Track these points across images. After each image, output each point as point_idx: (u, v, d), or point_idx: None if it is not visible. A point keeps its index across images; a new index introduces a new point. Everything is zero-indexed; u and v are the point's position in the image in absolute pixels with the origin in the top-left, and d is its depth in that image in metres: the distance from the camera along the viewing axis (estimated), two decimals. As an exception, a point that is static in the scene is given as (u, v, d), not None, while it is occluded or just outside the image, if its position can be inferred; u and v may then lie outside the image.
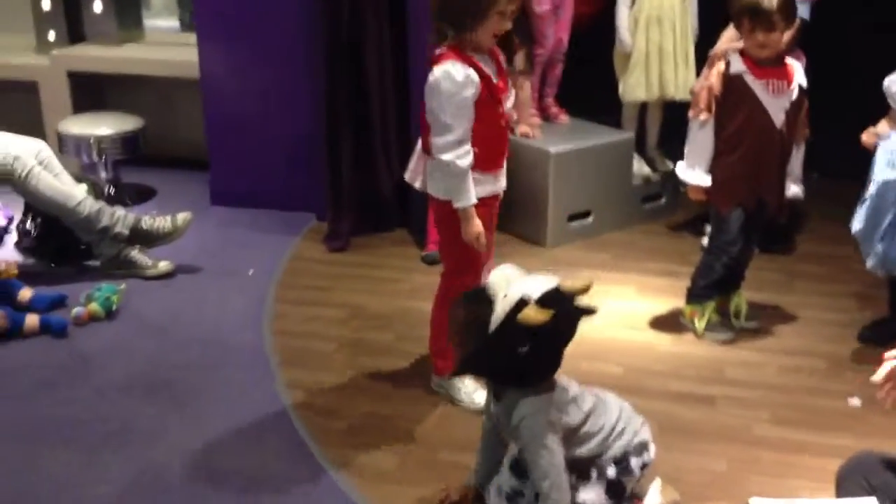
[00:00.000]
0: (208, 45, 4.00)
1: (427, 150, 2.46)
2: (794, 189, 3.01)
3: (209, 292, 3.39)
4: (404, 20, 3.74)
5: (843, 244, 3.70)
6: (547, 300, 1.90)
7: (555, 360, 1.99)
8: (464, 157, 2.35)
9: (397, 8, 3.72)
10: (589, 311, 1.98)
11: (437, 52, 2.37)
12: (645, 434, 2.09)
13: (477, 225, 2.42)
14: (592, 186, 3.86)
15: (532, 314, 1.86)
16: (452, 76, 2.30)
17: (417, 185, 3.35)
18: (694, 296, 3.07)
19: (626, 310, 3.25)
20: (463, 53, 2.34)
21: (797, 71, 2.85)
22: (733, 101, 2.81)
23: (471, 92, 2.32)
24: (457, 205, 2.41)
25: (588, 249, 3.79)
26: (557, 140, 3.82)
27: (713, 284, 3.03)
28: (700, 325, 3.04)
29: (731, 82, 2.80)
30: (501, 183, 2.56)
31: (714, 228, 3.02)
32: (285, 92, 3.94)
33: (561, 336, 1.97)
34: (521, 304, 1.89)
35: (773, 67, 2.81)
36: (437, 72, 2.32)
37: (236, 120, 4.05)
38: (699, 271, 3.06)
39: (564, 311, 1.92)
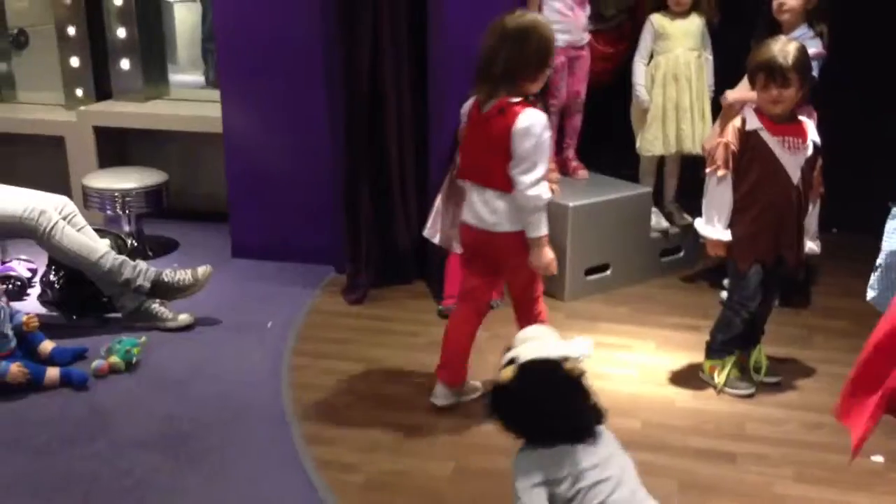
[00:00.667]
0: (231, 101, 4.09)
1: (500, 187, 2.69)
2: (810, 245, 3.01)
3: (228, 345, 3.41)
4: (424, 78, 3.82)
5: (862, 298, 3.69)
6: (531, 365, 1.93)
7: (549, 425, 1.96)
8: (546, 191, 2.68)
9: (417, 66, 3.80)
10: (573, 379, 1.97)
11: (510, 101, 2.64)
12: None
13: (550, 252, 2.74)
14: (611, 240, 3.87)
15: (503, 373, 1.95)
16: (541, 120, 2.63)
17: (437, 240, 3.39)
18: (714, 351, 3.06)
19: (646, 364, 3.24)
20: (530, 102, 2.65)
21: (811, 128, 2.88)
22: (750, 157, 2.83)
23: (548, 134, 2.68)
24: (537, 234, 2.70)
25: (606, 303, 3.79)
26: (576, 194, 3.85)
27: (733, 339, 3.02)
28: (720, 380, 3.02)
29: (748, 139, 2.83)
30: None
31: (733, 284, 3.02)
32: (305, 147, 4.01)
33: (544, 402, 1.95)
34: (510, 362, 1.95)
35: (788, 124, 2.84)
36: (526, 117, 2.61)
37: (257, 174, 4.12)
38: (718, 326, 3.05)
39: (542, 378, 1.94)
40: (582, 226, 3.78)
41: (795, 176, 2.83)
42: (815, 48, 3.29)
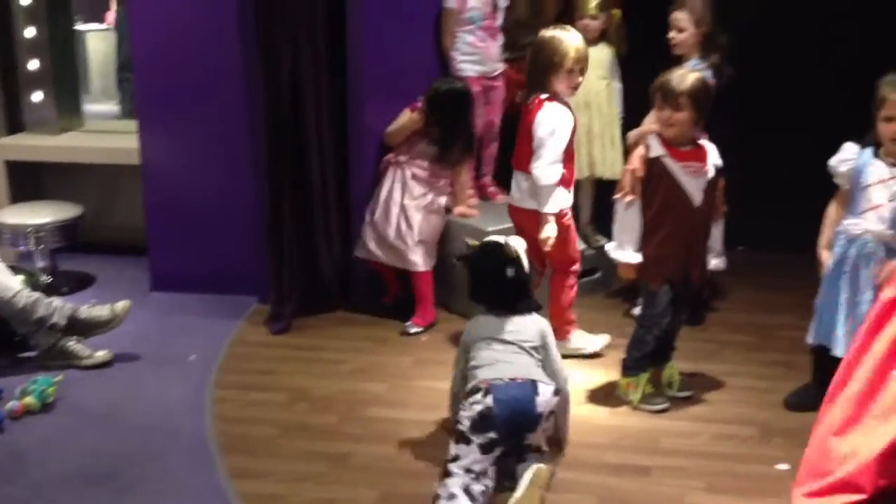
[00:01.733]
0: (149, 131, 4.05)
1: (524, 169, 3.33)
2: (715, 262, 3.15)
3: (149, 380, 3.37)
4: (345, 106, 3.87)
5: (768, 313, 3.91)
6: (484, 244, 2.92)
7: (487, 291, 2.86)
8: (552, 175, 3.25)
9: (338, 94, 3.85)
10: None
11: (540, 97, 3.29)
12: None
13: (552, 229, 3.28)
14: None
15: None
16: (558, 113, 3.26)
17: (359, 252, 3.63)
18: (628, 368, 3.17)
19: (565, 384, 3.33)
20: (557, 98, 3.27)
21: (711, 152, 3.03)
22: (655, 183, 2.97)
23: (565, 127, 3.27)
24: (542, 210, 3.26)
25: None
26: (494, 219, 3.94)
27: (646, 357, 3.14)
28: (635, 396, 3.14)
29: (652, 165, 2.97)
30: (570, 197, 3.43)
31: (645, 303, 3.15)
32: (226, 175, 4.00)
33: (484, 269, 2.87)
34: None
35: (689, 150, 2.99)
36: (544, 110, 3.25)
37: (176, 204, 4.09)
38: (632, 344, 3.17)
39: (487, 251, 2.89)
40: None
41: (698, 199, 2.98)
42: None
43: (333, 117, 3.86)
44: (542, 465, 2.54)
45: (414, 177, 3.86)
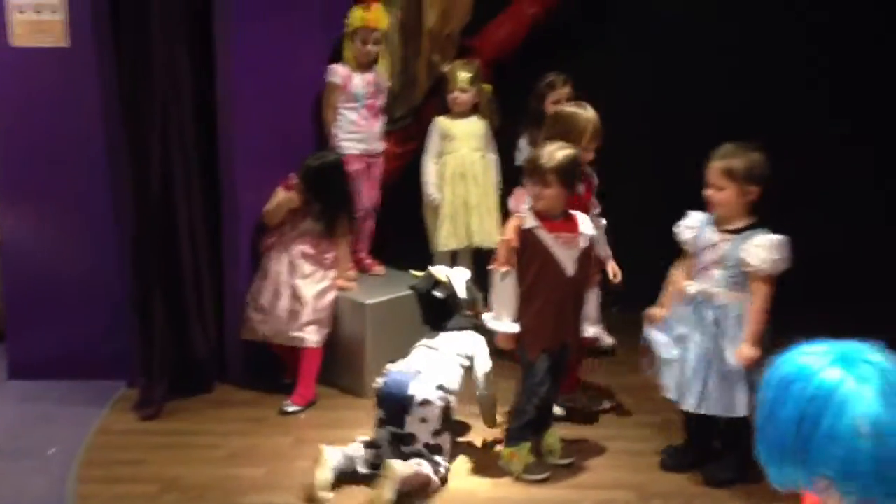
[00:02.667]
0: (9, 208, 3.85)
1: None
2: (592, 330, 3.22)
3: (5, 476, 3.13)
4: (216, 177, 3.79)
5: (642, 374, 3.96)
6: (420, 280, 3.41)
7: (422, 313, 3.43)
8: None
9: (208, 164, 3.77)
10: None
11: None
12: None
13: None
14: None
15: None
16: None
17: (271, 336, 3.88)
18: (510, 439, 3.17)
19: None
20: None
21: (583, 223, 3.12)
22: (529, 254, 3.03)
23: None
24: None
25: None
26: (372, 291, 3.92)
27: (527, 426, 3.15)
28: (517, 466, 3.13)
29: (526, 236, 3.03)
30: None
31: (524, 373, 3.16)
32: (91, 254, 3.83)
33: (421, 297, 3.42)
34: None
35: (561, 221, 3.07)
36: None
37: (38, 286, 3.87)
38: (513, 414, 3.17)
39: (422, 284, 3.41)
40: (380, 322, 3.83)
41: (571, 269, 3.05)
42: None
43: (205, 193, 3.76)
44: (397, 462, 2.91)
45: (302, 255, 3.80)
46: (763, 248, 2.89)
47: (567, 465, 3.20)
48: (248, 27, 3.71)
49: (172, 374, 3.73)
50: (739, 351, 2.90)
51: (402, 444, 3.05)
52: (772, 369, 1.31)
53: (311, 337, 3.72)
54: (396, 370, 3.16)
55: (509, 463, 3.15)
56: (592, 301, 3.22)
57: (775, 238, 2.91)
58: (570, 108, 3.42)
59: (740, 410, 2.93)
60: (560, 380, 3.22)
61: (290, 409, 3.65)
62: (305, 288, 3.75)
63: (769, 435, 1.28)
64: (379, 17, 3.94)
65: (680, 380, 3.02)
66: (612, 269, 3.52)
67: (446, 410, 3.10)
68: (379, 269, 4.19)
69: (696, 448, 3.15)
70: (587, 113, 3.34)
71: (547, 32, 4.45)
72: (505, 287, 3.06)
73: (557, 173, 2.98)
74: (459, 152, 4.12)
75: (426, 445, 3.04)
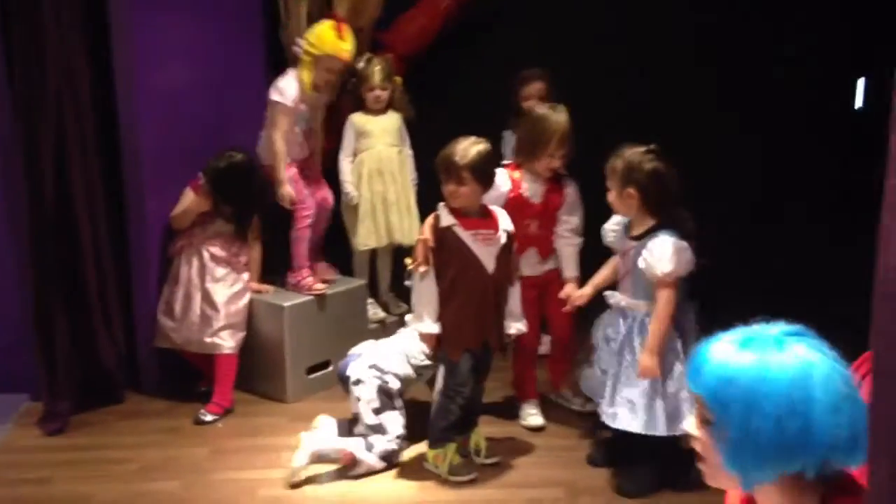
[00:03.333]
0: None
1: None
2: (518, 326, 3.18)
3: None
4: (118, 176, 3.62)
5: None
6: None
7: None
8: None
9: (111, 167, 3.59)
10: None
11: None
12: None
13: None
14: (330, 336, 3.85)
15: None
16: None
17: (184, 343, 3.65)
18: (435, 440, 3.12)
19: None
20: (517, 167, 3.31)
21: (503, 219, 3.08)
22: (447, 252, 2.97)
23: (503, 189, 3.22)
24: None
25: (331, 400, 3.71)
26: (289, 293, 3.80)
27: (452, 426, 3.10)
28: (444, 468, 3.08)
29: (443, 235, 2.97)
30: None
31: (446, 373, 3.10)
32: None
33: None
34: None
35: (479, 218, 3.02)
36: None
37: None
38: (436, 415, 3.12)
39: None
40: (299, 324, 3.73)
41: (490, 266, 3.00)
42: None
43: (108, 194, 3.58)
44: (307, 434, 3.10)
45: (213, 258, 3.65)
46: (655, 252, 2.78)
47: (494, 464, 3.17)
48: (149, 14, 3.54)
49: (79, 386, 3.54)
50: (640, 360, 2.81)
51: (352, 425, 3.21)
52: (719, 384, 1.24)
53: (226, 342, 3.59)
54: (349, 353, 3.36)
55: (435, 465, 3.10)
56: (515, 297, 3.18)
57: (670, 241, 2.79)
58: (541, 109, 3.32)
59: (659, 429, 2.82)
60: (483, 379, 3.18)
61: (207, 418, 3.52)
62: (218, 292, 3.61)
63: (751, 448, 1.21)
64: (353, 49, 3.66)
65: (599, 390, 3.01)
66: (568, 291, 3.28)
67: (384, 390, 3.18)
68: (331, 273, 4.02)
69: (621, 441, 3.14)
70: (557, 116, 3.23)
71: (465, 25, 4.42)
72: (425, 287, 3.00)
73: (472, 170, 2.92)
74: (375, 149, 4.03)
75: (369, 426, 3.15)
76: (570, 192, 3.37)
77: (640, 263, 2.84)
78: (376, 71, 3.96)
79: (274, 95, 3.64)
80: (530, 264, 3.37)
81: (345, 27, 3.64)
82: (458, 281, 2.98)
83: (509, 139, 3.88)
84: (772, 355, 1.23)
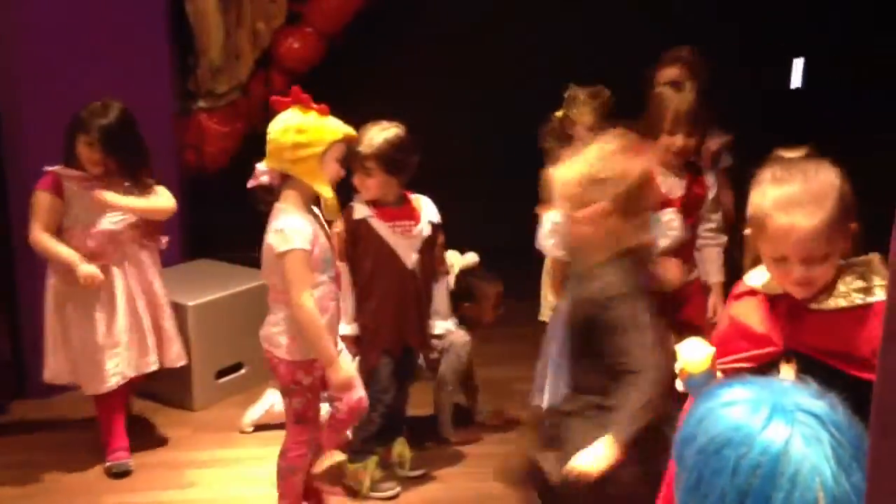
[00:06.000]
0: None
1: None
2: (445, 325, 2.93)
3: None
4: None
5: (502, 374, 3.69)
6: None
7: None
8: None
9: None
10: None
11: None
12: None
13: None
14: (242, 336, 3.51)
15: None
16: None
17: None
18: (355, 452, 2.84)
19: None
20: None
21: (426, 208, 2.80)
22: (363, 247, 2.71)
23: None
24: None
25: (244, 406, 3.40)
26: (196, 291, 3.47)
27: (372, 437, 2.84)
28: (365, 483, 2.81)
29: (357, 228, 2.70)
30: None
31: (365, 380, 2.83)
32: None
33: None
34: None
35: (397, 208, 2.74)
36: None
37: None
38: (357, 425, 2.84)
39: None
40: (206, 325, 3.42)
41: (410, 260, 2.74)
42: None
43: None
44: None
45: (142, 247, 3.03)
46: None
47: (418, 477, 2.91)
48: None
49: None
50: None
51: None
52: (690, 424, 1.02)
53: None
54: None
55: (355, 480, 2.83)
56: (441, 295, 2.92)
57: None
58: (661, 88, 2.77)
59: None
60: (407, 385, 2.92)
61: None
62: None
63: None
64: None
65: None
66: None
67: None
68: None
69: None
70: (673, 93, 2.67)
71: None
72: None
73: (378, 160, 2.64)
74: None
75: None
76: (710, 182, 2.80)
77: None
78: None
79: (281, 246, 2.35)
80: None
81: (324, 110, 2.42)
82: (375, 277, 2.71)
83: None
84: (765, 421, 0.98)
